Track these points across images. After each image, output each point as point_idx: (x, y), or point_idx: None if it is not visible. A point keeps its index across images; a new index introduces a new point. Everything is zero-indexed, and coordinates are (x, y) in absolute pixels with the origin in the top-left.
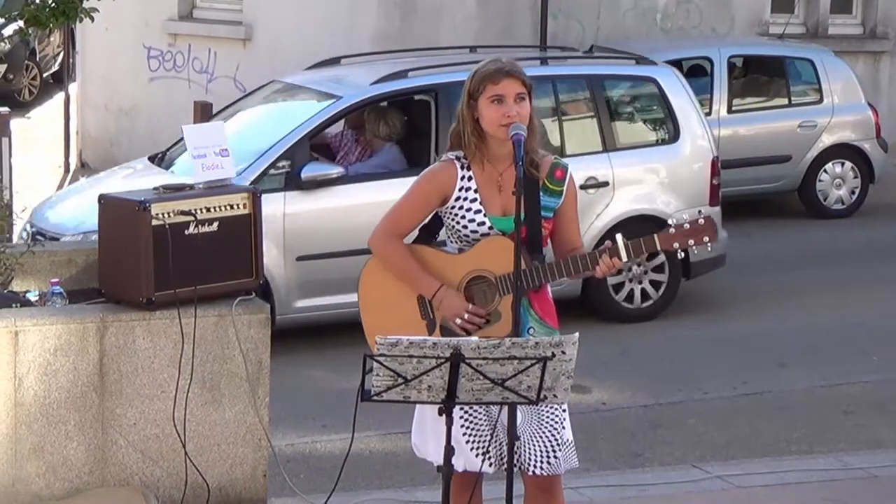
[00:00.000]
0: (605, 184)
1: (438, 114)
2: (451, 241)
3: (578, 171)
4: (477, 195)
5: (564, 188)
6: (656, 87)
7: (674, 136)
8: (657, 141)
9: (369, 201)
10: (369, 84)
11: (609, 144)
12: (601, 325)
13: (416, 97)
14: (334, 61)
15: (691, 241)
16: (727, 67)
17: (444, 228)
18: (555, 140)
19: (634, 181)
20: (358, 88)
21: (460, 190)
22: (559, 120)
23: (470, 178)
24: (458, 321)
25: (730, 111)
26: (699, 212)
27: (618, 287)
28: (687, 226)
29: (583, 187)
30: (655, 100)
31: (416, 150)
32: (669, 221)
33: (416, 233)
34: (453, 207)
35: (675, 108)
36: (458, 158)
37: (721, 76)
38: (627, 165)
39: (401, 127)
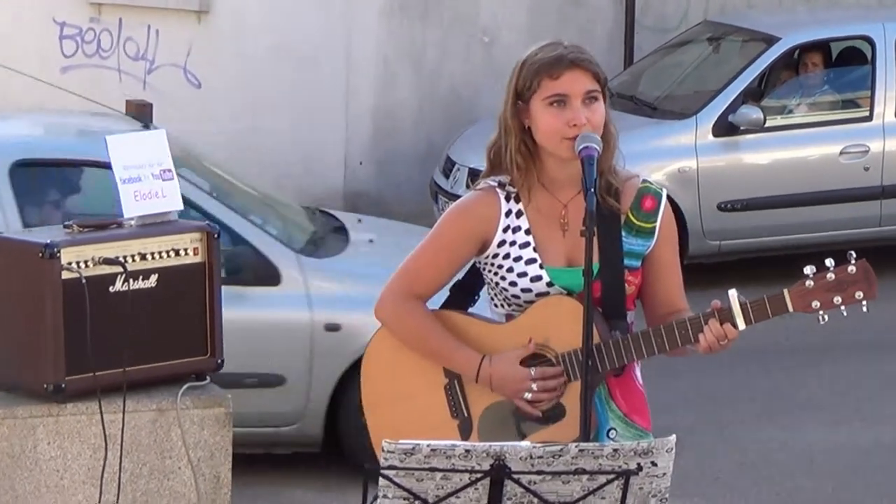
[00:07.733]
0: None
1: None
2: (495, 304)
3: None
4: (529, 238)
5: (657, 224)
6: None
7: None
8: None
9: None
10: None
11: None
12: (709, 420)
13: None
14: None
15: (838, 299)
16: (895, 51)
17: (484, 287)
18: None
19: None
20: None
21: (505, 231)
22: None
23: (519, 214)
24: (528, 395)
25: None
26: (850, 256)
27: None
28: (831, 276)
29: None
30: None
31: None
32: (806, 271)
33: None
34: (496, 256)
35: None
36: (501, 186)
37: (886, 64)
38: None
39: None
